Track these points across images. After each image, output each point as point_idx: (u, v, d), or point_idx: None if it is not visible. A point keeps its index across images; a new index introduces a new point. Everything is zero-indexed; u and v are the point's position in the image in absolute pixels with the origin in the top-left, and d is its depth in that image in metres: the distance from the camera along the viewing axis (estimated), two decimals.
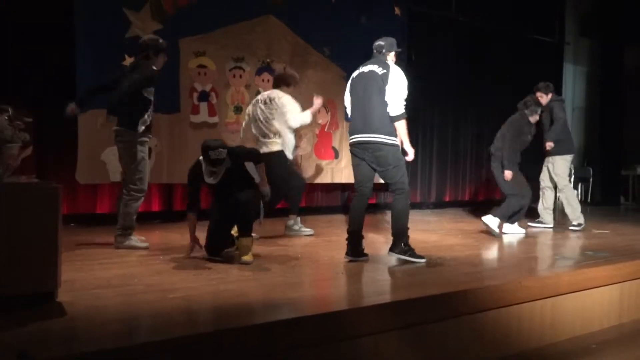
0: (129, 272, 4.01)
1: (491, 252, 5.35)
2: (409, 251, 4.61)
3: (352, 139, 4.62)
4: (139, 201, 5.01)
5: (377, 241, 5.88)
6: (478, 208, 9.36)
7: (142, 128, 4.91)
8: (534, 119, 6.66)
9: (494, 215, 6.29)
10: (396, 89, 4.47)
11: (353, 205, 4.72)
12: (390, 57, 4.75)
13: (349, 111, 4.81)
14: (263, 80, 7.68)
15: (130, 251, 4.84)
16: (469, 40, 10.11)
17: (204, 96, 7.25)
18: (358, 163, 4.65)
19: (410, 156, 4.69)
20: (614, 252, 5.18)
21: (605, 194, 12.02)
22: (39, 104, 5.94)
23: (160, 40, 5.07)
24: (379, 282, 4.03)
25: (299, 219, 6.18)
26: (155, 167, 6.82)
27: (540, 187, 7.34)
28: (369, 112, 4.51)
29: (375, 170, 4.63)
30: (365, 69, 4.68)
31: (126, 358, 2.43)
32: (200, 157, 4.45)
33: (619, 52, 12.18)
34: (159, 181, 6.97)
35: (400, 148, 4.61)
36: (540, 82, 7.18)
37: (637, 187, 12.35)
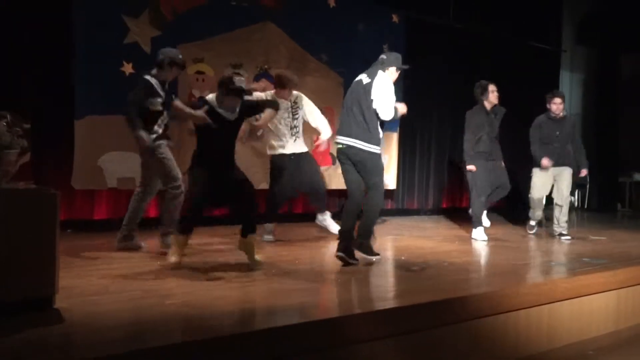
0: (127, 278, 4.01)
1: (488, 259, 5.36)
2: (366, 248, 4.81)
3: (336, 141, 4.82)
4: (180, 197, 5.09)
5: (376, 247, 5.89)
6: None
7: (152, 137, 5.00)
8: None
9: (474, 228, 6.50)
10: (381, 96, 4.61)
11: (344, 206, 4.89)
12: (390, 72, 4.84)
13: None
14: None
15: (129, 257, 4.83)
16: (466, 47, 10.13)
17: (202, 102, 7.23)
18: (345, 169, 4.83)
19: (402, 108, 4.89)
20: (610, 259, 5.20)
21: (602, 200, 12.04)
22: (37, 110, 5.94)
23: (180, 56, 5.19)
24: (376, 289, 4.04)
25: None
26: None
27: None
28: (350, 119, 4.70)
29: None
30: (358, 77, 4.86)
31: None
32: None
33: (615, 59, 12.23)
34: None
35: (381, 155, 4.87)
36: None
37: (634, 193, 12.37)
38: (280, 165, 6.08)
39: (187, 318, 3.06)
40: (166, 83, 5.15)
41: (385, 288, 4.11)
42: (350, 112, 4.71)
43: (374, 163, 4.69)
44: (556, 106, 6.99)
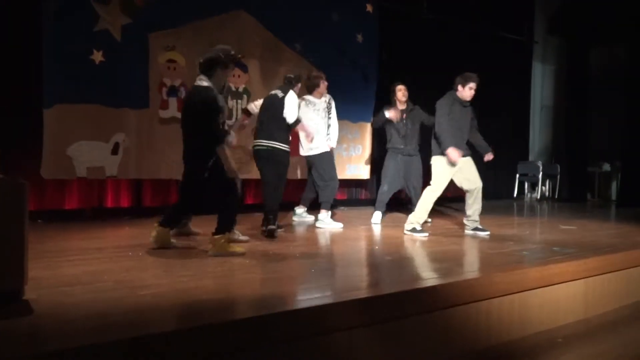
0: (98, 269, 3.96)
1: (460, 248, 5.40)
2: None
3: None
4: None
5: (349, 237, 5.91)
6: (447, 205, 9.46)
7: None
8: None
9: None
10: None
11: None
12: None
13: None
14: (234, 76, 7.62)
15: (102, 248, 4.77)
16: (439, 38, 10.18)
17: (173, 91, 7.18)
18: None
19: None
20: (579, 248, 5.28)
21: (572, 190, 12.24)
22: (5, 99, 5.82)
23: (232, 52, 4.80)
24: (350, 278, 4.05)
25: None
26: (123, 163, 6.75)
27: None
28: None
29: None
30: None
31: (94, 356, 2.40)
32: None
33: (585, 51, 12.39)
34: (126, 176, 6.90)
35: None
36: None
37: (603, 183, 12.60)
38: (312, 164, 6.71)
39: (160, 308, 3.03)
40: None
41: (359, 277, 4.12)
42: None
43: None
44: (473, 92, 6.19)
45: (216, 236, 4.54)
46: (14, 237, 2.92)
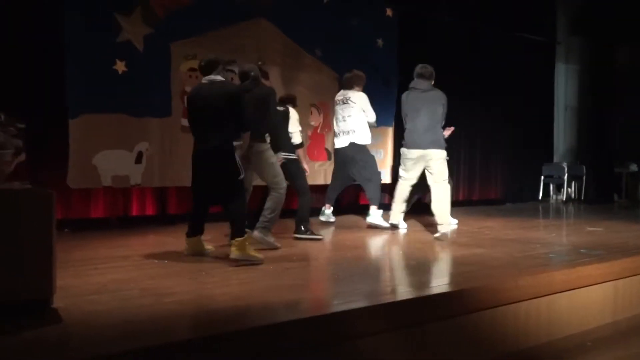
0: (125, 277, 4.00)
1: (485, 252, 5.35)
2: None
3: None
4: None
5: (373, 241, 5.90)
6: (473, 207, 9.40)
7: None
8: None
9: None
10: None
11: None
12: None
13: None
14: None
15: (127, 256, 4.81)
16: (460, 41, 10.13)
17: None
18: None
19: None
20: (607, 250, 5.20)
21: (598, 191, 12.07)
22: (31, 110, 5.91)
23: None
24: (374, 283, 4.03)
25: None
26: (147, 171, 6.81)
27: None
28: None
29: None
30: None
31: None
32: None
33: (610, 50, 12.23)
34: (151, 185, 6.96)
35: None
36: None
37: (630, 184, 12.40)
38: None
39: (186, 316, 3.05)
40: None
41: (383, 282, 4.11)
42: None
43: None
44: None
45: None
46: (42, 247, 2.96)
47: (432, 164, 5.96)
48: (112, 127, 6.55)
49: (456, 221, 5.73)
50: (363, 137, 6.94)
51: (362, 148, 6.94)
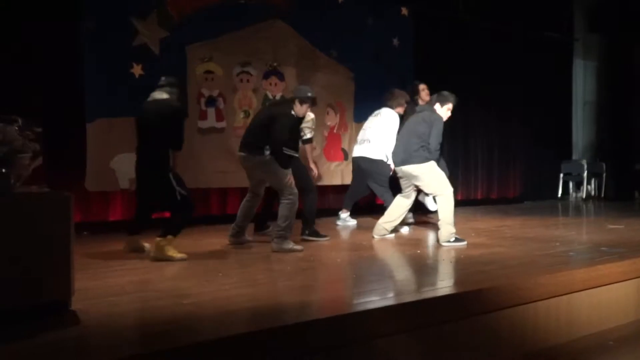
0: (143, 278, 4.02)
1: (504, 250, 5.31)
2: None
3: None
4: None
5: (388, 241, 5.87)
6: (492, 206, 9.33)
7: None
8: None
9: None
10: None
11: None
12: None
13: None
14: (270, 84, 7.68)
15: (144, 258, 4.84)
16: (476, 40, 10.06)
17: (211, 101, 7.26)
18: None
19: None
20: (628, 248, 5.13)
21: (618, 189, 11.91)
22: (49, 114, 5.96)
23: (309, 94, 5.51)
24: (390, 283, 4.01)
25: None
26: None
27: None
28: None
29: None
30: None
31: None
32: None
33: (628, 46, 12.07)
34: None
35: None
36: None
37: None
38: None
39: (203, 317, 3.05)
40: None
41: (400, 282, 4.09)
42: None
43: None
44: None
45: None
46: (60, 249, 2.98)
47: (416, 181, 5.76)
48: (130, 130, 6.58)
49: (465, 242, 5.52)
50: (376, 151, 6.87)
51: (374, 163, 6.88)
